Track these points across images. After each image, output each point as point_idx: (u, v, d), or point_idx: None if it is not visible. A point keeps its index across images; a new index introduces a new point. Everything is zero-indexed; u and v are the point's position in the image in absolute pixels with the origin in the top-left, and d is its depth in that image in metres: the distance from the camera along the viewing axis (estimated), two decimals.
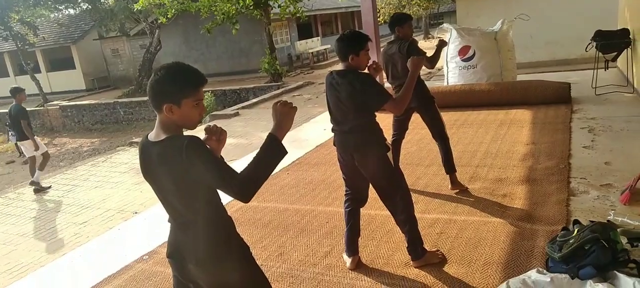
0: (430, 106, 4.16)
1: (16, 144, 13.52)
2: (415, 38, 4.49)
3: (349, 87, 2.78)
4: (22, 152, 13.47)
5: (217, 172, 1.64)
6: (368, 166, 2.92)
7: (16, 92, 7.20)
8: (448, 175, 4.21)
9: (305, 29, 24.54)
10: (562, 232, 2.86)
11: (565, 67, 9.56)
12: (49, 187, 7.59)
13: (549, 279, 2.49)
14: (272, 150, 1.73)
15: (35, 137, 7.47)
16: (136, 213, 5.66)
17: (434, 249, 3.13)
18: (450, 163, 4.18)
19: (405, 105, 2.87)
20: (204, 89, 1.74)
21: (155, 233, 4.06)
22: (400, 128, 4.34)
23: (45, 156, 7.65)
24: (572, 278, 2.48)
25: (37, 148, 7.38)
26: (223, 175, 1.63)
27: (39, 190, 7.46)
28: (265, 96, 13.56)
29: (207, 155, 1.65)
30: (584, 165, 4.32)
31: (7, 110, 7.63)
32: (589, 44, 7.05)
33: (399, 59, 4.02)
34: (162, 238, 3.87)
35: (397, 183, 2.98)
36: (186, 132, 1.73)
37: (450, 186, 4.20)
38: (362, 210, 3.95)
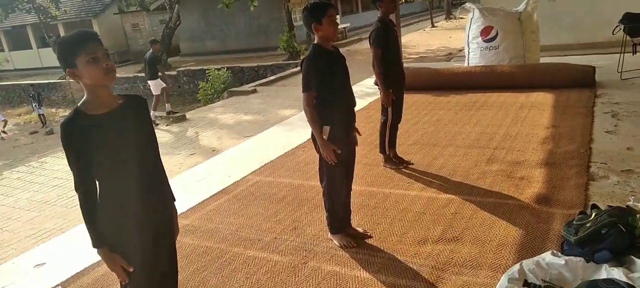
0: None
1: (39, 114, 13.92)
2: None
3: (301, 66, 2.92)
4: (45, 123, 13.83)
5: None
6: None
7: (153, 42, 9.67)
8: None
9: None
10: (579, 215, 2.83)
11: (590, 51, 9.28)
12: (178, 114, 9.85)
13: (563, 262, 2.48)
14: None
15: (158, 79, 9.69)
16: None
17: (351, 236, 3.16)
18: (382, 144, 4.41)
19: (305, 110, 2.87)
20: (98, 46, 1.81)
21: None
22: (396, 111, 4.35)
23: (165, 90, 9.89)
24: (587, 262, 2.46)
25: (153, 88, 9.65)
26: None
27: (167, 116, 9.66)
28: (283, 74, 13.54)
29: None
30: (606, 149, 4.24)
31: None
32: (617, 26, 6.82)
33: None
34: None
35: (322, 162, 3.01)
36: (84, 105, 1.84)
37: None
38: (376, 188, 4.00)
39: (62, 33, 25.66)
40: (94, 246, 1.88)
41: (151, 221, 1.98)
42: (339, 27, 22.67)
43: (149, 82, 9.83)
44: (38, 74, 24.89)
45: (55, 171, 7.31)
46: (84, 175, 1.83)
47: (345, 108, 3.02)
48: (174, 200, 2.15)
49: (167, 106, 10.00)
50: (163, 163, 2.09)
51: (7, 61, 27.16)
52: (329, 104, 2.92)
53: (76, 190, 1.84)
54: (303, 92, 2.86)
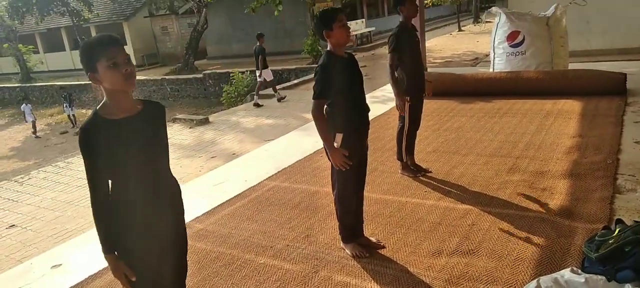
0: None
1: (69, 115, 14.33)
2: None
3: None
4: (75, 123, 14.20)
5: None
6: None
7: (259, 36, 10.26)
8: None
9: (350, 11, 24.23)
10: (602, 230, 2.70)
11: (623, 57, 8.95)
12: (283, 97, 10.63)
13: (583, 280, 2.36)
14: None
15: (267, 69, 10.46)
16: None
17: (363, 246, 3.10)
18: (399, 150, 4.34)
19: (314, 118, 2.80)
20: (120, 51, 1.80)
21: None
22: (414, 118, 4.25)
23: (261, 83, 10.64)
24: (609, 281, 2.33)
25: (266, 75, 10.47)
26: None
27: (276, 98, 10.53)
28: (307, 77, 13.55)
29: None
30: (634, 161, 4.05)
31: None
32: None
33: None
34: (192, 213, 3.96)
35: (334, 170, 2.98)
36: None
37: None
38: (391, 196, 3.93)
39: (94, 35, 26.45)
40: (103, 251, 1.88)
41: (160, 227, 1.97)
42: (365, 30, 22.60)
43: (262, 71, 10.39)
44: (70, 75, 25.61)
45: (80, 171, 7.48)
46: (98, 179, 1.83)
47: (359, 114, 2.98)
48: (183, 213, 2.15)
49: (255, 97, 10.50)
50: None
51: (41, 63, 28.08)
52: (342, 110, 2.88)
53: (91, 193, 1.84)
54: (314, 99, 2.82)
